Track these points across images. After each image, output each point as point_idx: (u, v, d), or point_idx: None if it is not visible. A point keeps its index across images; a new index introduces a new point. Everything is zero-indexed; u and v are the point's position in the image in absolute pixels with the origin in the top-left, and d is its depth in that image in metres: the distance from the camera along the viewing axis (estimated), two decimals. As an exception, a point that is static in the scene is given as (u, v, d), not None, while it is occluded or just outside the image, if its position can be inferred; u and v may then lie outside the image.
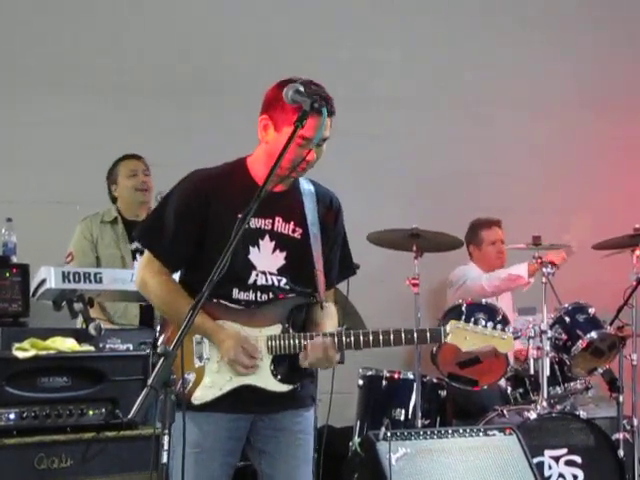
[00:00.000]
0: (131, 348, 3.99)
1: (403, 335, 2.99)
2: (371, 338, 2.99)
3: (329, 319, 3.13)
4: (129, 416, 2.31)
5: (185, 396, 2.92)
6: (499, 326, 3.07)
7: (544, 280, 5.22)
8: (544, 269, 5.24)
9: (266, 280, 3.03)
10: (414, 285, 5.06)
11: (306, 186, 3.13)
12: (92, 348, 3.75)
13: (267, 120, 2.96)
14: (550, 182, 6.60)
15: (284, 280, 3.05)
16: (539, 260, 5.32)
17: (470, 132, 6.56)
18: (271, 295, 3.04)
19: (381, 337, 2.98)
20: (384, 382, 5.05)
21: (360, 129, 5.96)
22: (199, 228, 3.00)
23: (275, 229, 3.05)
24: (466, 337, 3.02)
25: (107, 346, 3.92)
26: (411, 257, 5.12)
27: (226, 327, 3.00)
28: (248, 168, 3.06)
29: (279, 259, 3.05)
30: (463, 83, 6.64)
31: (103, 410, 3.58)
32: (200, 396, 2.98)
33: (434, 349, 5.20)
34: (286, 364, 3.03)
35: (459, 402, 5.42)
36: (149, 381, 2.31)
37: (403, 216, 5.52)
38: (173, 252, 3.04)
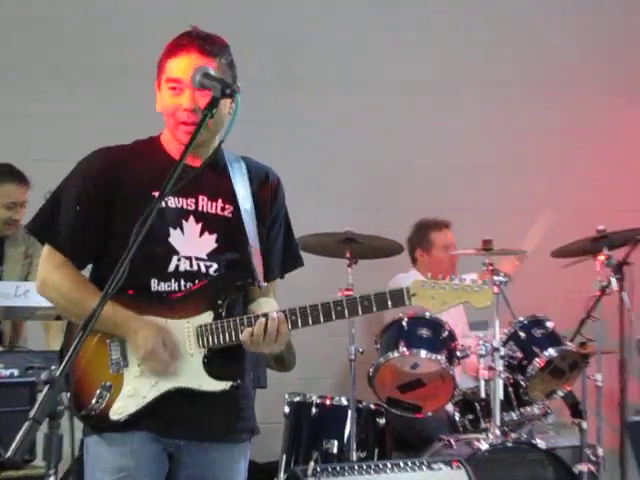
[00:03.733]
0: (15, 374, 3.93)
1: (359, 304, 2.91)
2: (321, 313, 2.91)
3: (269, 305, 3.06)
4: (7, 455, 2.25)
5: (99, 413, 2.88)
6: (473, 277, 3.02)
7: (496, 290, 5.26)
8: (496, 278, 5.28)
9: (190, 266, 2.98)
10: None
11: (234, 160, 3.12)
12: (-33, 376, 3.71)
13: (156, 88, 3.03)
14: (500, 181, 6.73)
15: (215, 266, 3.01)
16: (490, 268, 5.36)
17: (408, 126, 6.69)
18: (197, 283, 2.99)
19: (333, 310, 2.91)
20: (314, 409, 5.06)
21: (294, 126, 6.01)
22: (105, 213, 2.95)
23: (200, 209, 3.02)
24: (434, 296, 2.94)
25: (-12, 372, 3.87)
26: (344, 264, 5.13)
27: (144, 317, 2.92)
28: (162, 143, 3.06)
29: (209, 242, 3.01)
30: (408, 81, 6.74)
31: (-18, 447, 3.54)
32: (120, 408, 2.90)
33: (371, 370, 5.23)
34: (223, 358, 2.97)
35: (400, 431, 5.46)
36: (31, 413, 2.25)
37: (337, 219, 5.54)
38: (76, 243, 2.98)
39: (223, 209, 3.04)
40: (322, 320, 2.90)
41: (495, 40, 6.97)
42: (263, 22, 6.48)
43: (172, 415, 2.95)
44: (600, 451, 5.34)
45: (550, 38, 7.08)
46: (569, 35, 7.09)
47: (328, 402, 5.11)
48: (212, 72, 2.81)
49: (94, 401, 2.83)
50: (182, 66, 2.92)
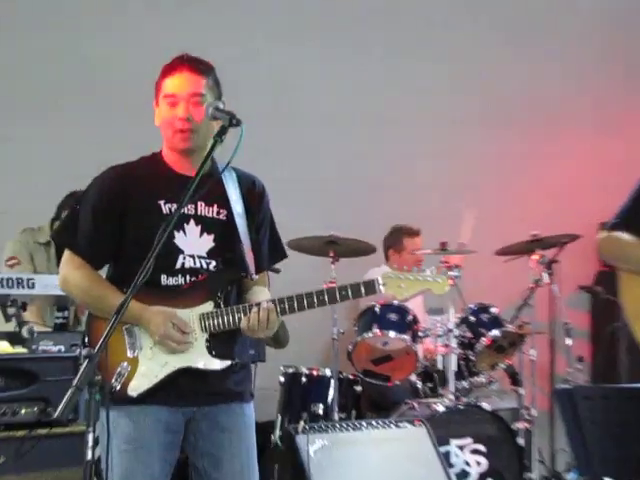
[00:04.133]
0: (63, 350, 3.92)
1: (337, 293, 2.86)
2: (305, 301, 2.85)
3: (262, 294, 3.01)
4: (54, 415, 2.27)
5: (119, 390, 2.78)
6: (433, 269, 2.96)
7: (451, 283, 5.27)
8: (450, 272, 5.29)
9: (194, 263, 2.93)
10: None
11: (226, 171, 3.02)
12: (25, 350, 3.71)
13: (154, 106, 2.97)
14: (456, 192, 6.69)
15: (214, 263, 2.95)
16: (446, 264, 5.38)
17: (384, 146, 6.63)
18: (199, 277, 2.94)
19: (316, 298, 2.85)
20: (303, 379, 5.03)
21: (281, 144, 5.97)
22: (118, 221, 2.90)
23: (199, 213, 2.96)
24: (400, 285, 2.89)
25: (40, 348, 3.85)
26: (328, 262, 5.15)
27: (152, 308, 2.87)
28: (163, 157, 2.99)
29: (208, 242, 2.95)
30: (383, 99, 6.66)
31: (35, 409, 3.54)
32: (136, 386, 2.85)
33: (350, 347, 5.24)
34: (222, 341, 2.91)
35: (373, 397, 5.46)
36: (74, 381, 2.27)
37: (322, 224, 5.54)
38: (93, 249, 2.92)
39: (219, 213, 2.98)
40: (306, 307, 2.86)
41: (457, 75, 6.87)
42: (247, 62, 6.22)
43: (183, 389, 2.89)
44: (534, 412, 5.36)
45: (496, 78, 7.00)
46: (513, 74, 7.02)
47: (315, 373, 5.09)
48: (221, 106, 2.78)
49: (114, 379, 2.74)
50: (176, 83, 2.89)
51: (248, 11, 6.31)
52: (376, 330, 5.18)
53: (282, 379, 5.11)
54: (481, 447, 4.87)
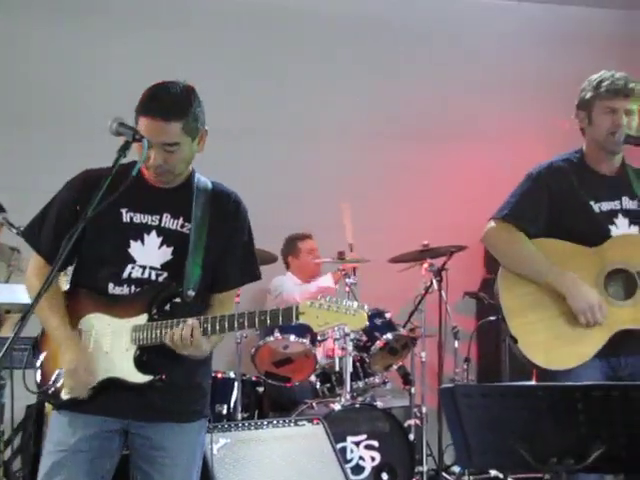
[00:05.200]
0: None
1: (257, 318, 2.72)
2: (227, 323, 2.72)
3: (220, 311, 2.83)
4: None
5: (55, 392, 2.77)
6: (352, 303, 2.73)
7: (347, 289, 5.45)
8: (347, 279, 5.47)
9: (142, 274, 2.81)
10: (236, 295, 5.14)
11: (202, 185, 2.91)
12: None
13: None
14: (353, 203, 6.76)
15: (165, 274, 2.82)
16: (343, 271, 5.57)
17: (279, 159, 6.70)
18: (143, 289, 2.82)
19: (236, 322, 2.72)
20: None
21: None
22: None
23: (163, 225, 2.85)
24: (317, 316, 2.70)
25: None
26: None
27: (75, 340, 2.78)
28: (140, 167, 2.78)
29: (165, 254, 2.83)
30: (287, 114, 6.74)
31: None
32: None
33: (252, 351, 5.31)
34: (152, 355, 2.78)
35: (275, 397, 5.51)
36: None
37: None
38: (54, 250, 2.72)
39: (183, 226, 2.85)
40: (227, 329, 2.74)
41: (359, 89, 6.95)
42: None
43: (114, 399, 2.79)
44: (424, 409, 5.49)
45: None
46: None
47: (220, 375, 5.10)
48: (123, 121, 2.66)
49: (52, 381, 2.75)
50: (149, 128, 2.73)
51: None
52: (277, 334, 5.26)
53: (188, 381, 5.13)
54: (375, 443, 4.94)
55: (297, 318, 2.70)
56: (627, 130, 3.40)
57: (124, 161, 2.70)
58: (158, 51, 6.49)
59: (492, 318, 5.58)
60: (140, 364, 2.78)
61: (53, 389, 2.75)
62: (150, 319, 2.78)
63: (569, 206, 3.41)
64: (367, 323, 2.75)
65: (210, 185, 2.94)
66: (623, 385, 2.75)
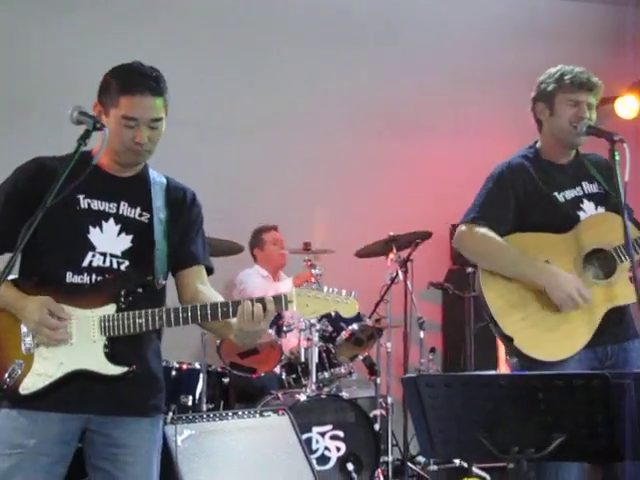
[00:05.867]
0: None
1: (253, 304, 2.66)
2: (220, 310, 2.66)
3: (211, 293, 2.83)
4: None
5: (11, 387, 2.62)
6: (339, 291, 2.71)
7: (313, 280, 5.42)
8: (313, 270, 5.44)
9: (104, 262, 2.74)
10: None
11: (157, 178, 2.90)
12: None
13: (99, 106, 2.76)
14: (320, 195, 6.76)
15: (127, 263, 2.76)
16: (309, 263, 5.53)
17: (255, 151, 6.66)
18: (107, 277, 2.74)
19: (231, 309, 2.66)
20: (174, 372, 4.96)
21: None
22: (31, 211, 2.54)
23: (120, 212, 2.79)
24: (307, 304, 2.66)
25: None
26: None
27: (30, 296, 2.65)
28: (92, 155, 2.70)
29: (125, 242, 2.78)
30: (255, 106, 6.69)
31: None
32: (28, 384, 2.63)
33: (218, 342, 5.28)
34: (122, 346, 2.69)
35: (240, 388, 5.47)
36: None
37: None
38: (1, 236, 2.69)
39: (141, 215, 2.81)
40: (210, 319, 2.68)
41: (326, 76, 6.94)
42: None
43: (77, 393, 2.67)
44: (389, 400, 5.49)
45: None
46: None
47: (185, 366, 5.04)
48: (83, 110, 2.62)
49: (6, 375, 2.58)
50: (138, 107, 2.69)
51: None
52: (243, 325, 5.25)
53: (153, 372, 5.09)
54: (340, 433, 4.94)
55: (286, 307, 2.67)
56: (588, 121, 3.41)
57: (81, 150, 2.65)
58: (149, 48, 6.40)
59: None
60: (111, 355, 2.69)
61: (8, 384, 2.61)
62: (118, 309, 2.70)
63: (535, 201, 3.42)
64: (356, 312, 2.76)
65: (165, 179, 2.94)
66: (582, 374, 2.74)
